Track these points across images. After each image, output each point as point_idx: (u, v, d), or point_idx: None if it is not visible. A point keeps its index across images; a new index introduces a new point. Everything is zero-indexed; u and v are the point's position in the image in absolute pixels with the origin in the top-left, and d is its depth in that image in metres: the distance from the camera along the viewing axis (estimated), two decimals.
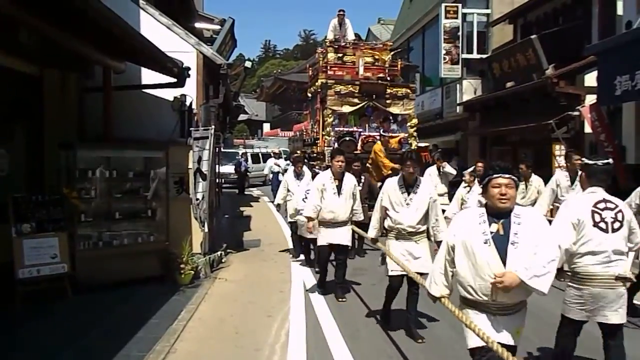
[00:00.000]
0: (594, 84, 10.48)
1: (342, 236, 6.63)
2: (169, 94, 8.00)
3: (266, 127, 50.29)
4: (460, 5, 17.14)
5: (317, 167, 11.58)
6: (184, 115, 8.13)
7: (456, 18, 17.12)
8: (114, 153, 7.12)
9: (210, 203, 8.20)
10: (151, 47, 6.14)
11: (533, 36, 12.78)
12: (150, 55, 6.38)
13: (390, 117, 12.06)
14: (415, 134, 12.11)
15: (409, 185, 5.31)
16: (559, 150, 11.93)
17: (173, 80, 7.38)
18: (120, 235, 7.05)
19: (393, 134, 11.92)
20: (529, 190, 8.49)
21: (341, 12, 13.54)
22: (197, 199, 7.34)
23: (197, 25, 11.55)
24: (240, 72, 17.68)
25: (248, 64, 15.41)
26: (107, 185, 7.01)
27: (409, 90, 12.23)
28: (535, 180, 8.57)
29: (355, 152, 11.08)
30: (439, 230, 5.20)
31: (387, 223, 5.38)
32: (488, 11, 17.40)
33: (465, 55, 17.16)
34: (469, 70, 17.38)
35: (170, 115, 8.09)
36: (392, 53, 13.04)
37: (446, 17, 17.14)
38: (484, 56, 16.83)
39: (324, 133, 11.76)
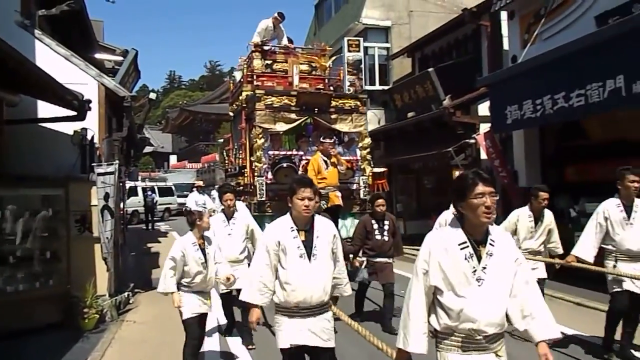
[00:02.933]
0: (487, 113, 11.26)
1: (321, 331, 3.59)
2: (68, 128, 7.59)
3: (173, 159, 49.06)
4: (361, 39, 17.90)
5: (245, 204, 8.64)
6: (85, 150, 7.73)
7: (358, 51, 17.78)
8: (7, 192, 6.60)
9: (115, 241, 7.80)
10: (47, 79, 5.81)
11: (430, 69, 13.55)
12: (47, 87, 6.04)
13: (334, 137, 9.16)
14: (369, 156, 9.70)
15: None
16: None
17: (73, 113, 7.01)
18: (16, 281, 6.49)
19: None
20: (539, 228, 6.30)
21: (280, 17, 10.64)
22: (107, 238, 6.96)
23: (98, 56, 11.12)
24: (144, 103, 17.19)
25: (153, 96, 15.04)
26: (0, 226, 6.46)
27: (358, 103, 9.59)
28: (548, 216, 6.33)
29: None
30: None
31: (444, 320, 2.63)
32: (388, 45, 18.31)
33: (368, 87, 17.85)
34: (372, 101, 18.07)
35: (70, 150, 7.66)
36: (333, 59, 11.09)
37: (349, 50, 17.72)
38: (386, 87, 17.60)
39: (253, 159, 8.99)
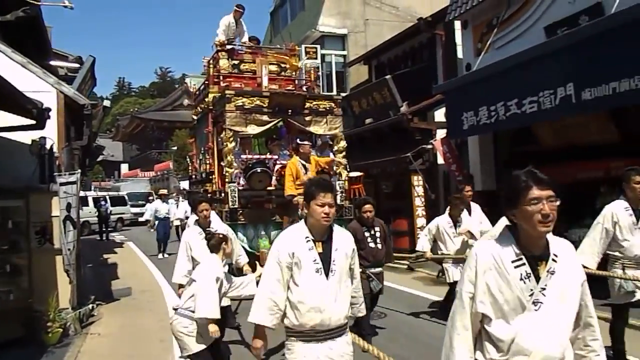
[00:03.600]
0: (444, 119, 11.62)
1: (340, 357, 3.09)
2: (25, 137, 7.35)
3: (124, 167, 47.92)
4: (318, 46, 18.12)
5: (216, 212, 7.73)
6: (43, 160, 7.49)
7: (315, 58, 17.99)
8: None
9: (77, 252, 7.61)
10: (7, 87, 5.65)
11: (387, 76, 13.86)
12: (6, 95, 5.86)
13: (306, 139, 8.64)
14: (344, 160, 9.14)
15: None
16: (417, 180, 12.98)
17: (32, 122, 6.81)
18: None
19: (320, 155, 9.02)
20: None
21: (240, 9, 10.46)
22: (69, 249, 6.79)
23: (53, 63, 10.81)
24: (97, 111, 16.75)
25: (107, 103, 14.72)
26: None
27: (333, 105, 9.15)
28: None
29: (269, 188, 8.51)
30: None
31: (492, 355, 2.21)
32: (344, 53, 18.59)
33: (325, 94, 18.05)
34: None
35: (28, 160, 7.42)
36: (306, 58, 10.66)
37: (307, 58, 17.96)
38: (343, 94, 17.84)
39: (223, 164, 8.53)
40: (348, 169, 9.37)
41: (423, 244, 7.24)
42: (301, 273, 3.00)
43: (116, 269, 13.00)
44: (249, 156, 8.66)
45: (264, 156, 8.85)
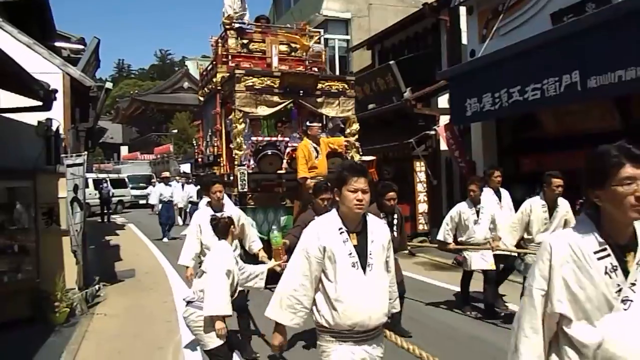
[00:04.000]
0: (447, 105, 11.63)
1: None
2: (31, 118, 7.38)
3: (124, 150, 47.88)
4: (322, 30, 18.02)
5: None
6: (50, 141, 7.53)
7: (319, 43, 17.91)
8: None
9: (84, 233, 7.68)
10: (15, 67, 5.66)
11: (391, 62, 13.82)
12: (12, 75, 5.87)
13: (315, 120, 8.50)
14: (357, 143, 8.96)
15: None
16: (419, 166, 13.02)
17: (38, 103, 6.83)
18: None
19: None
20: (554, 219, 5.90)
21: None
22: (76, 230, 6.85)
23: (56, 44, 10.79)
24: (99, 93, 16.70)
25: (109, 85, 14.60)
26: None
27: (346, 86, 8.89)
28: (563, 205, 5.94)
29: (279, 171, 8.28)
30: None
31: None
32: (348, 37, 18.51)
33: (338, 75, 18.00)
34: None
35: (34, 141, 7.46)
36: (317, 38, 10.26)
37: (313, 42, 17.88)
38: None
39: (232, 147, 8.21)
40: (361, 152, 9.07)
41: (445, 235, 6.74)
42: (336, 268, 2.67)
43: (119, 250, 13.08)
44: (259, 138, 8.43)
45: (275, 138, 8.57)
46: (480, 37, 11.03)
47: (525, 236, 6.09)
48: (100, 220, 21.10)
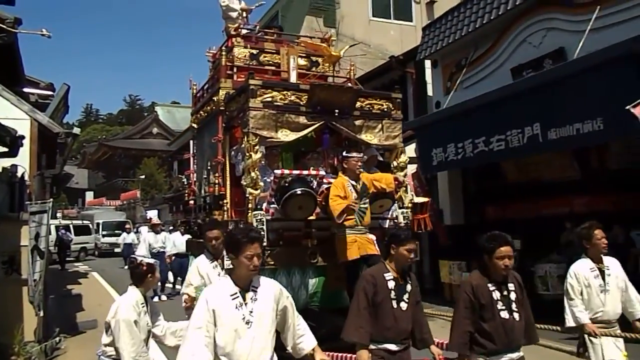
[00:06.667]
0: (414, 154, 11.91)
1: None
2: None
3: (89, 195, 46.94)
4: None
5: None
6: (14, 188, 7.39)
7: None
8: None
9: (44, 283, 7.44)
10: None
11: None
12: None
13: (353, 149, 5.98)
14: (405, 181, 6.73)
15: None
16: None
17: (4, 149, 6.74)
18: None
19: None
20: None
21: None
22: (35, 280, 6.63)
23: (25, 89, 10.71)
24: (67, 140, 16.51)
25: (77, 131, 14.48)
26: None
27: (391, 105, 6.81)
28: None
29: (313, 216, 6.07)
30: None
31: None
32: None
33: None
34: None
35: None
36: (347, 47, 8.11)
37: None
38: None
39: (245, 183, 5.86)
40: (411, 192, 7.19)
41: (579, 314, 4.51)
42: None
43: (81, 300, 12.64)
44: (285, 171, 6.08)
45: (306, 172, 6.16)
46: (445, 89, 11.46)
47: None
48: (60, 268, 20.43)
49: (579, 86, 7.32)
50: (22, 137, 6.88)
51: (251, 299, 3.01)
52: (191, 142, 9.53)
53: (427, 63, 12.55)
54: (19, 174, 7.44)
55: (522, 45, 9.46)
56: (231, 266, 3.25)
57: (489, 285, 3.54)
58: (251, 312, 2.98)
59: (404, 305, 3.74)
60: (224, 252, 4.45)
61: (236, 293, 2.99)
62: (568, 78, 7.51)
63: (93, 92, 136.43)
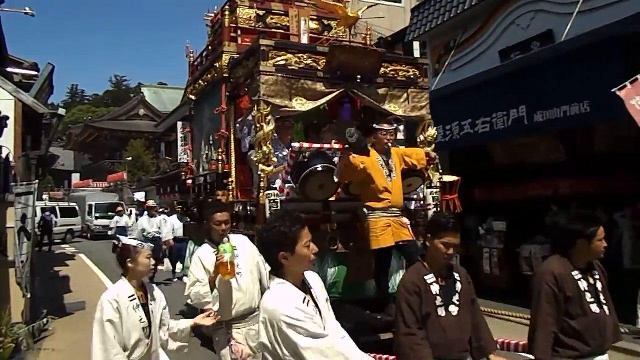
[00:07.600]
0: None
1: None
2: None
3: (75, 177, 46.54)
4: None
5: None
6: None
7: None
8: None
9: (31, 265, 7.41)
10: None
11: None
12: None
13: (383, 121, 5.36)
14: (436, 157, 5.93)
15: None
16: None
17: None
18: None
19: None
20: None
21: None
22: (22, 261, 6.61)
23: (8, 69, 10.53)
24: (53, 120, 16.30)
25: (62, 112, 14.29)
26: None
27: (417, 72, 6.12)
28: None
29: (335, 198, 5.52)
30: None
31: None
32: None
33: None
34: None
35: None
36: (365, 8, 6.77)
37: None
38: None
39: (255, 158, 5.37)
40: (440, 170, 6.19)
41: None
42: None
43: (69, 282, 12.63)
44: (305, 145, 5.26)
45: (328, 145, 5.23)
46: (434, 71, 11.44)
47: None
48: (40, 250, 20.30)
49: (566, 69, 7.36)
50: (7, 118, 6.81)
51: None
52: (179, 123, 9.40)
53: (416, 45, 12.52)
54: (3, 155, 7.35)
55: (510, 28, 9.46)
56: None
57: (574, 273, 2.90)
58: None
59: (454, 310, 2.92)
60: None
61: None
62: (555, 61, 7.54)
63: (78, 72, 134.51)
